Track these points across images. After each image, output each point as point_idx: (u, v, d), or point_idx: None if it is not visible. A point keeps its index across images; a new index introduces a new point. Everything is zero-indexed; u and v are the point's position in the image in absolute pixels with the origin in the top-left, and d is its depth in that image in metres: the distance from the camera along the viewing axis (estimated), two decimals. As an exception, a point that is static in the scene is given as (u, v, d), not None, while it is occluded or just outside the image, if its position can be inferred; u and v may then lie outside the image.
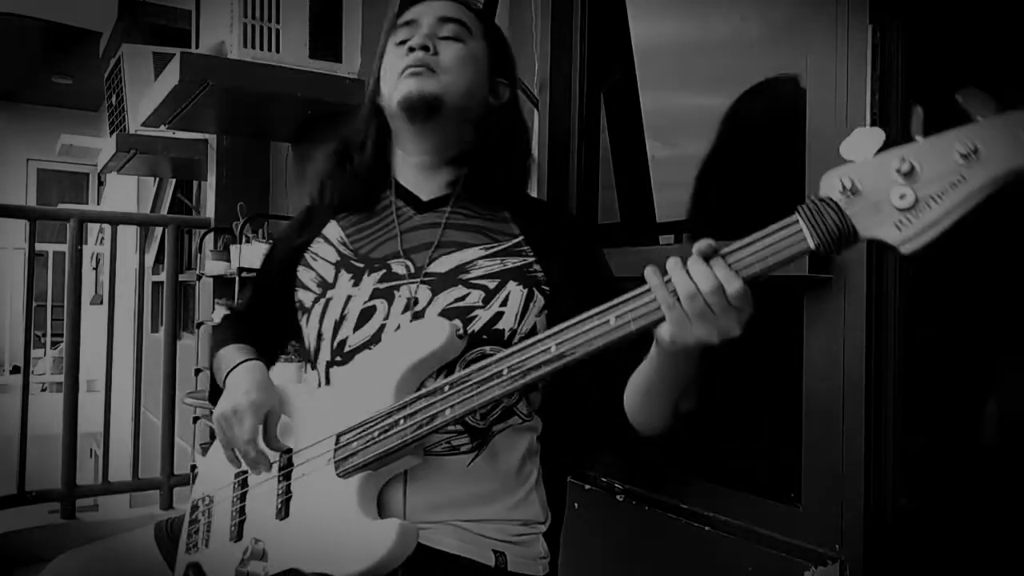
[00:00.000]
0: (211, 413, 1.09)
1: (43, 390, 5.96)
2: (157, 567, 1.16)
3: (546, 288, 1.07)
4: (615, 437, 1.44)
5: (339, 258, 1.13)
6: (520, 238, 1.10)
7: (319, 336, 1.11)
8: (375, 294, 1.08)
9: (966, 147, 0.66)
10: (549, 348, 0.85)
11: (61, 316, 2.96)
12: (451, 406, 0.92)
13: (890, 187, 0.70)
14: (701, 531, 1.27)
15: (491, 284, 1.05)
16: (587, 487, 1.47)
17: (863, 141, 0.72)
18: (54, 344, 5.92)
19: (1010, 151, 0.65)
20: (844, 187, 0.71)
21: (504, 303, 1.04)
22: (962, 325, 1.22)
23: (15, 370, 6.22)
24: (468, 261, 1.07)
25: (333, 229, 1.17)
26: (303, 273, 1.16)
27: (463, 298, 1.04)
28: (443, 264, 1.07)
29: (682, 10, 1.73)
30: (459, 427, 1.03)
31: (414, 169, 1.15)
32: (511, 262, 1.07)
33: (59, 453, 2.82)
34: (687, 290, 0.76)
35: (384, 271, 1.09)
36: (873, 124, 0.78)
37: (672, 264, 0.78)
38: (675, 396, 0.93)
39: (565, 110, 1.70)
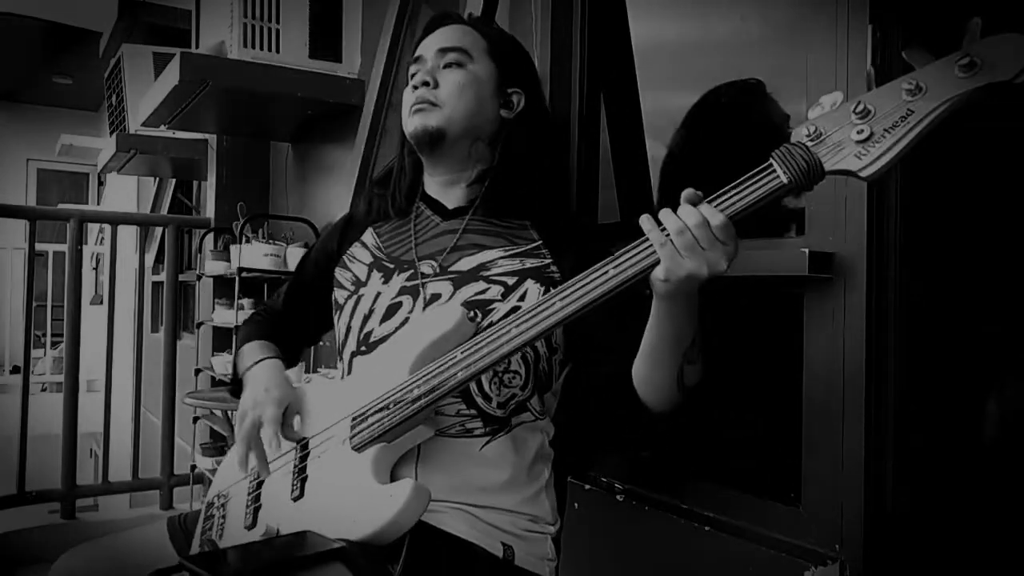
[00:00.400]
0: (211, 413, 1.11)
1: (43, 390, 5.97)
2: (169, 561, 1.16)
3: None
4: (621, 433, 1.44)
5: (372, 259, 1.22)
6: (539, 242, 1.16)
7: (348, 329, 1.19)
8: (402, 291, 1.15)
9: (911, 84, 0.79)
10: (553, 304, 0.91)
11: (61, 316, 2.97)
12: (463, 368, 0.96)
13: (849, 126, 0.81)
14: (701, 531, 1.27)
15: (510, 281, 1.11)
16: (587, 487, 1.47)
17: (826, 103, 0.83)
18: (54, 344, 5.93)
19: (947, 83, 0.78)
20: (809, 132, 0.83)
21: (522, 298, 1.09)
22: (962, 325, 1.22)
23: (15, 370, 6.22)
24: (489, 260, 1.14)
25: (369, 236, 1.27)
26: (340, 274, 1.25)
27: (483, 292, 1.10)
28: (466, 264, 1.14)
29: (682, 10, 1.73)
30: (472, 411, 1.07)
31: (438, 186, 1.24)
32: (530, 262, 1.13)
33: (59, 453, 2.83)
34: (676, 226, 0.85)
35: (412, 271, 1.17)
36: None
37: (664, 211, 0.87)
38: (678, 358, 0.97)
39: (565, 110, 1.70)
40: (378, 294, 1.17)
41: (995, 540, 1.17)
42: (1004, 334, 1.22)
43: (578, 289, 0.90)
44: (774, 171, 0.83)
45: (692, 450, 1.42)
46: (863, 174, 0.80)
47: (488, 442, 1.08)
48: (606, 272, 0.89)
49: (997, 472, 1.20)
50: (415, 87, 1.19)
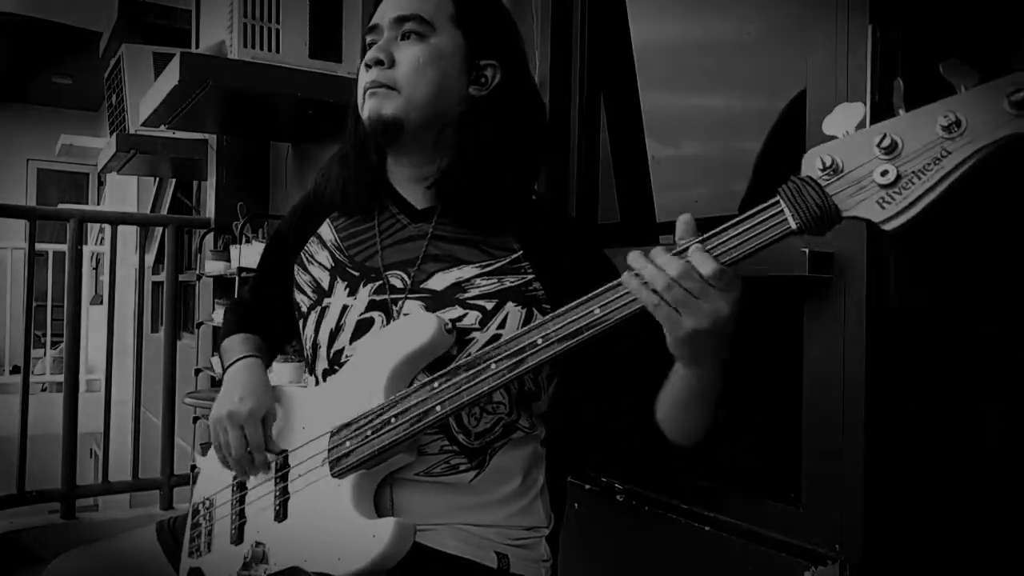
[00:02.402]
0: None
1: (43, 390, 5.97)
2: (160, 566, 1.16)
3: (547, 307, 1.03)
4: (618, 445, 1.44)
5: (334, 264, 1.11)
6: (519, 253, 1.04)
7: (315, 345, 1.10)
8: (371, 306, 1.05)
9: (948, 119, 0.65)
10: (535, 341, 0.86)
11: (61, 316, 2.96)
12: (441, 402, 0.92)
13: (872, 164, 0.68)
14: (701, 531, 1.26)
15: (488, 305, 1.01)
16: (587, 487, 1.47)
17: (845, 116, 0.71)
18: (54, 344, 5.93)
19: (993, 121, 0.63)
20: (825, 165, 0.70)
21: (502, 325, 1.00)
22: (961, 325, 1.22)
23: (15, 370, 6.22)
24: (465, 279, 1.03)
25: (327, 231, 1.15)
26: (299, 275, 1.15)
27: (460, 319, 1.01)
28: (440, 281, 1.03)
29: (682, 10, 1.74)
30: (455, 448, 1.02)
31: (404, 180, 1.10)
32: (509, 281, 1.02)
33: (59, 453, 2.82)
34: (662, 282, 0.76)
35: (380, 282, 1.06)
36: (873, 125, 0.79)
37: (633, 257, 0.79)
38: (711, 407, 0.92)
39: (565, 110, 1.70)
40: (345, 307, 1.07)
41: (994, 540, 1.17)
42: (1003, 334, 1.22)
43: (561, 326, 0.84)
44: (781, 212, 0.73)
45: (692, 450, 1.42)
46: (886, 227, 0.69)
47: (477, 475, 1.03)
48: (591, 312, 0.82)
49: (996, 472, 1.20)
50: (368, 66, 1.03)
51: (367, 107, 1.03)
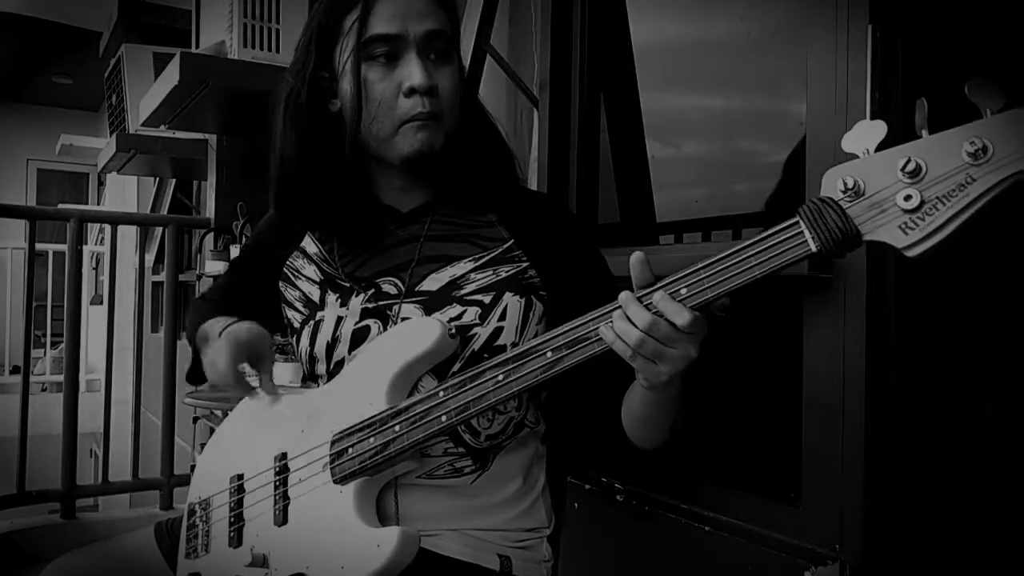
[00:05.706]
0: (211, 413, 1.09)
1: (43, 390, 5.98)
2: (158, 567, 1.16)
3: (543, 294, 1.03)
4: (616, 442, 1.44)
5: (323, 277, 1.09)
6: (510, 242, 1.03)
7: (312, 358, 1.08)
8: (366, 314, 1.03)
9: (975, 145, 0.63)
10: (545, 354, 0.85)
11: (61, 316, 2.96)
12: (447, 412, 0.91)
13: (895, 187, 0.67)
14: (701, 531, 1.27)
15: (486, 298, 1.00)
16: (587, 487, 1.47)
17: (865, 134, 0.69)
18: (54, 344, 5.93)
19: (1021, 150, 0.62)
20: (846, 187, 0.69)
21: (502, 317, 0.99)
22: (961, 324, 1.22)
23: (15, 370, 6.22)
24: (460, 276, 1.01)
25: (311, 244, 1.13)
26: (287, 291, 1.13)
27: (459, 317, 0.99)
28: (434, 281, 1.02)
29: (682, 10, 1.74)
30: (461, 449, 1.01)
31: (391, 188, 1.08)
32: (504, 271, 1.02)
33: (59, 453, 2.82)
34: (634, 337, 0.78)
35: (373, 290, 1.04)
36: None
37: (621, 306, 0.79)
38: (669, 422, 0.94)
39: (565, 110, 1.70)
40: (339, 318, 1.04)
41: (994, 540, 1.17)
42: (1002, 333, 1.22)
43: (572, 340, 0.84)
44: (801, 234, 0.71)
45: (692, 450, 1.42)
46: (909, 253, 0.67)
47: (479, 476, 1.02)
48: (600, 330, 0.83)
49: (996, 472, 1.20)
50: (413, 91, 0.97)
51: (418, 140, 0.98)
